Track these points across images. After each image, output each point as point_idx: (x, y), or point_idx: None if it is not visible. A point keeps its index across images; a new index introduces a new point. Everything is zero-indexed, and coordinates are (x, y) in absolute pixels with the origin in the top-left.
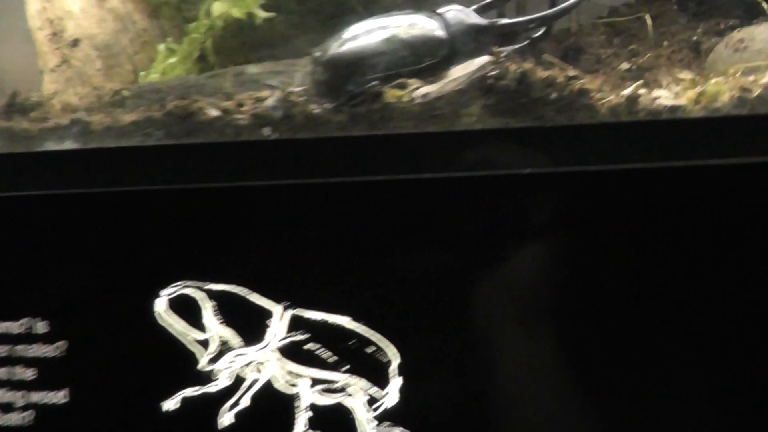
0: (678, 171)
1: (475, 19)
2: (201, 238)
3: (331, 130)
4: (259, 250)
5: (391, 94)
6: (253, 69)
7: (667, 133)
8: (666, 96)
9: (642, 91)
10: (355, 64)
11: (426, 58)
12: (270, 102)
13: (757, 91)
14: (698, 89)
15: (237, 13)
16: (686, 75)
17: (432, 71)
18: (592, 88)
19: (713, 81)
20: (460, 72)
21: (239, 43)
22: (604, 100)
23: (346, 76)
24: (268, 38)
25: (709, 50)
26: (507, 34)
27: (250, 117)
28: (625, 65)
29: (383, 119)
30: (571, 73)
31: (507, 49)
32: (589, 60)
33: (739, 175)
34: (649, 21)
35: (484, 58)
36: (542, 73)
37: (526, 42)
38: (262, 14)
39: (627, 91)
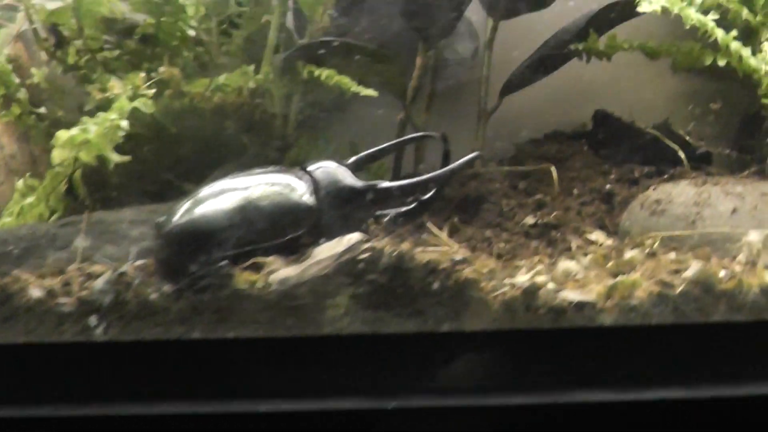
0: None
1: (351, 181)
2: None
3: (168, 320)
4: None
5: (243, 278)
6: (111, 216)
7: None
8: (572, 274)
9: (542, 278)
10: (200, 239)
11: (289, 230)
12: (99, 283)
13: (680, 287)
14: (607, 281)
15: (85, 157)
16: (598, 236)
17: (295, 246)
18: (482, 276)
19: (627, 267)
20: (327, 253)
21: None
22: (496, 293)
23: (188, 254)
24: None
25: (623, 201)
26: (390, 198)
27: (76, 301)
28: (530, 219)
29: (232, 308)
30: (458, 255)
31: (391, 212)
32: (491, 212)
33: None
34: (555, 175)
35: (355, 236)
36: (423, 257)
37: (414, 204)
38: (116, 158)
39: (523, 279)
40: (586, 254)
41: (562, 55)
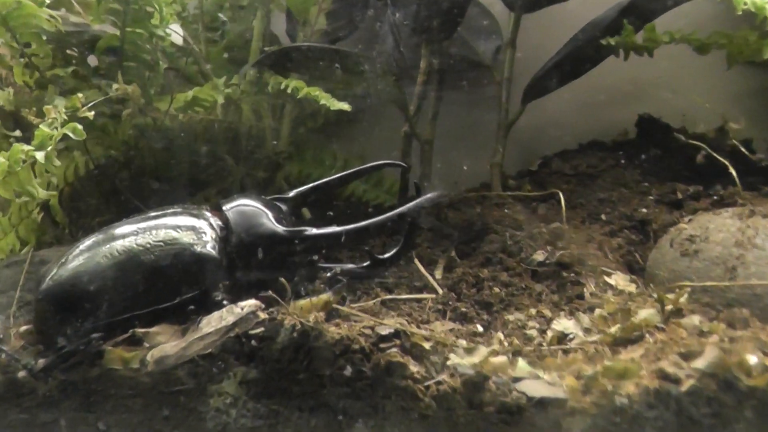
0: None
1: (271, 225)
2: None
3: (35, 402)
4: None
5: (116, 355)
6: (57, 254)
7: None
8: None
9: (498, 359)
10: (68, 306)
11: (185, 289)
12: None
13: (689, 382)
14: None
15: (3, 193)
16: (618, 280)
17: (208, 306)
18: (417, 354)
19: (622, 355)
20: (214, 324)
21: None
22: (428, 383)
23: (56, 324)
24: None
25: (660, 230)
26: (324, 247)
27: None
28: (539, 255)
29: (103, 391)
30: (384, 329)
31: (337, 267)
32: (495, 244)
33: None
34: (563, 202)
35: (249, 304)
36: (333, 332)
37: (367, 263)
38: (42, 194)
39: (469, 361)
40: (593, 308)
41: (594, 53)
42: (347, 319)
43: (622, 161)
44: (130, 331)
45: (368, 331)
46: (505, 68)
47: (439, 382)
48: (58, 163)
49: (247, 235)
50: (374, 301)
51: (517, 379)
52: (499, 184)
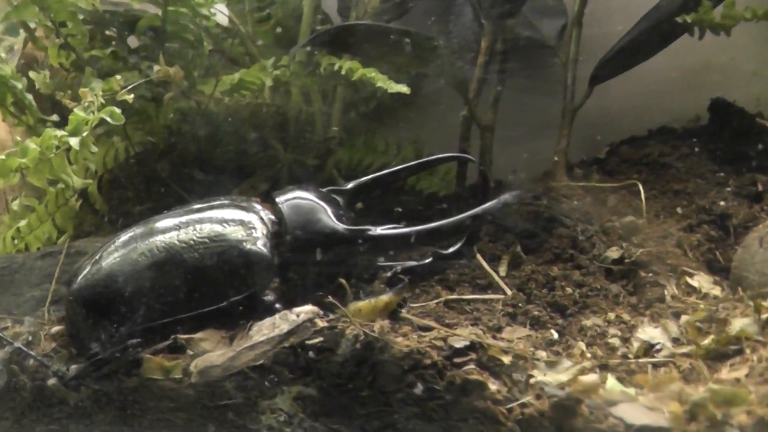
0: None
1: (331, 222)
2: None
3: (66, 413)
4: None
5: (155, 364)
6: (93, 245)
7: None
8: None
9: (588, 378)
10: (103, 309)
11: (231, 291)
12: None
13: None
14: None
15: (36, 182)
16: (701, 281)
17: (252, 310)
18: (495, 372)
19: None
20: (266, 333)
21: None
22: (511, 404)
23: (89, 328)
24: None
25: (741, 226)
26: (387, 248)
27: None
28: (613, 253)
29: (140, 403)
30: (458, 341)
31: (397, 265)
32: (564, 239)
33: None
34: (642, 194)
35: (306, 310)
36: (401, 344)
37: (429, 257)
38: (78, 182)
39: (556, 379)
40: (677, 313)
41: (668, 31)
42: (413, 326)
43: (696, 149)
44: (172, 337)
45: (440, 343)
46: (571, 49)
47: (524, 404)
48: (94, 149)
49: (304, 233)
50: (436, 301)
51: (611, 403)
52: (564, 173)
